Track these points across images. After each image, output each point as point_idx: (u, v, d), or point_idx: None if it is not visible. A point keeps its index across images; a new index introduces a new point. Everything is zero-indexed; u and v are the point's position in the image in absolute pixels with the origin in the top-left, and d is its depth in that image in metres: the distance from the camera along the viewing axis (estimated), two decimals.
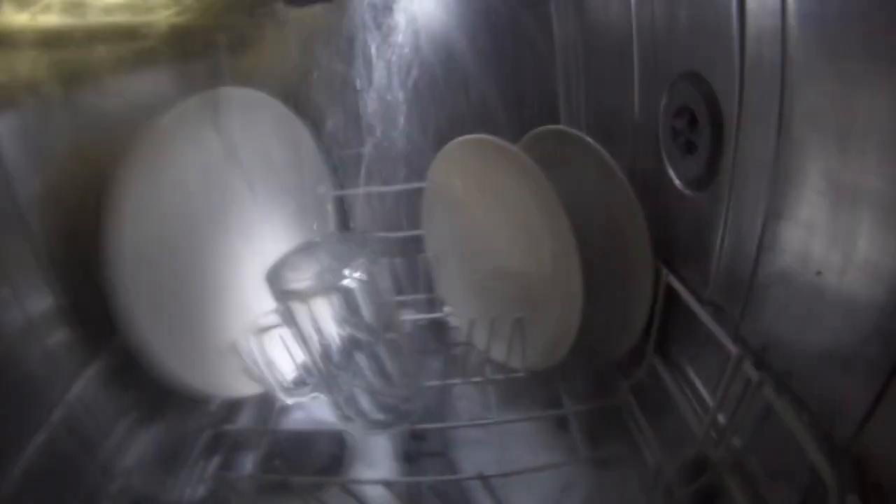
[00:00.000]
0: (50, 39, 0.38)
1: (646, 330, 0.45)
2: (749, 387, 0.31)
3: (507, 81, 0.63)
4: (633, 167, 0.45)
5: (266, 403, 0.53)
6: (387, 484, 0.44)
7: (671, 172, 0.43)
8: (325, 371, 0.44)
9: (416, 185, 0.58)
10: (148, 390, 0.43)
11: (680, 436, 0.40)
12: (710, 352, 0.39)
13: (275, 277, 0.41)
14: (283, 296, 0.40)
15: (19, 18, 0.35)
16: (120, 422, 0.41)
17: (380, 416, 0.46)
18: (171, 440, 0.45)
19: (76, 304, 0.38)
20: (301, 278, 0.40)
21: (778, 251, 0.31)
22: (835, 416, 0.27)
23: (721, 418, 0.36)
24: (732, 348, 0.33)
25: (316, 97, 0.64)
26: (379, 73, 0.63)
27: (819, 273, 0.28)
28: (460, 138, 0.50)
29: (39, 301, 0.35)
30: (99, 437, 0.37)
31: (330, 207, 0.62)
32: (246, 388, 0.46)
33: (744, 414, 0.32)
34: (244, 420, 0.53)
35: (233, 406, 0.52)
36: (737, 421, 0.32)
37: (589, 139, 0.46)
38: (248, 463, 0.48)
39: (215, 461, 0.48)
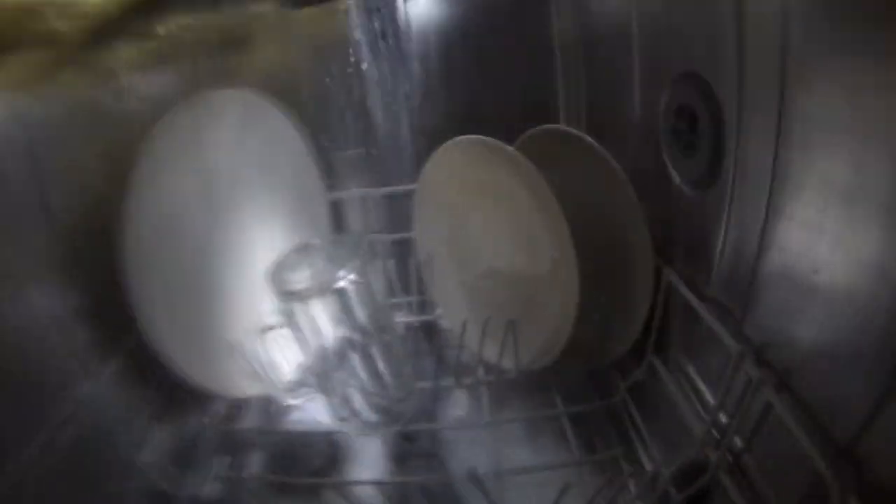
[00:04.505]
0: (76, 41, 0.39)
1: (645, 329, 0.45)
2: (750, 385, 0.31)
3: (506, 81, 0.63)
4: (634, 167, 0.45)
5: (267, 403, 0.53)
6: (380, 485, 0.43)
7: (672, 172, 0.43)
8: (321, 371, 0.44)
9: (410, 186, 0.57)
10: (166, 387, 0.44)
11: (678, 436, 0.40)
12: (711, 350, 0.39)
13: (274, 278, 0.41)
14: (284, 296, 0.41)
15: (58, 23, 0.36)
16: (141, 418, 0.42)
17: (373, 417, 0.46)
18: (184, 437, 0.46)
19: (99, 300, 0.38)
20: (298, 279, 0.41)
21: (779, 250, 0.31)
22: (836, 416, 0.27)
23: (721, 417, 0.36)
24: (734, 345, 0.33)
25: (311, 98, 0.64)
26: (375, 75, 0.63)
27: (817, 272, 0.28)
28: (455, 139, 0.49)
29: (63, 297, 0.36)
30: (122, 433, 0.38)
31: (324, 209, 0.62)
32: (249, 388, 0.46)
33: (744, 413, 0.32)
34: (246, 420, 0.53)
35: (237, 406, 0.52)
36: (738, 420, 0.32)
37: (589, 139, 0.46)
38: (247, 462, 0.48)
39: (219, 461, 0.48)
